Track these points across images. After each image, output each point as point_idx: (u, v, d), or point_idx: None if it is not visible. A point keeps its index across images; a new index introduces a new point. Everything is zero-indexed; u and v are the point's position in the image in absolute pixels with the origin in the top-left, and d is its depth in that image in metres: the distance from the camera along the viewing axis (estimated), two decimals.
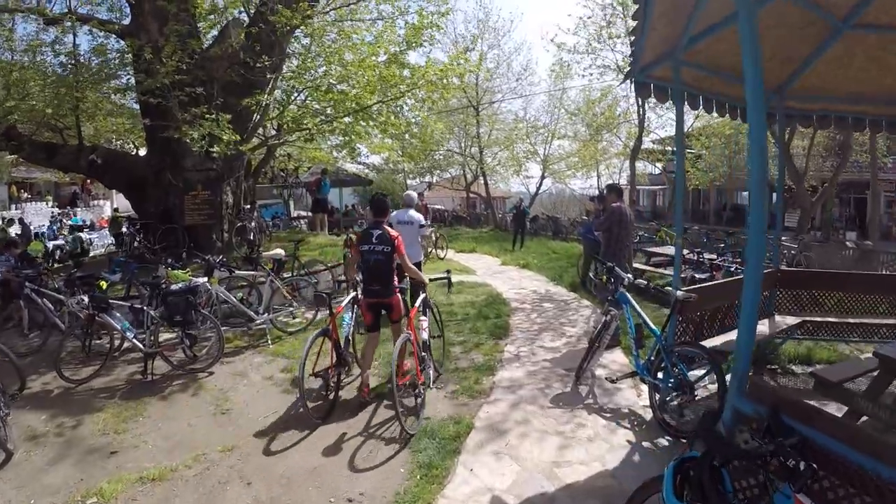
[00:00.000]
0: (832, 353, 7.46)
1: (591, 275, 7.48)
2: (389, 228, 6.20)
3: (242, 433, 5.52)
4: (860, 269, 15.24)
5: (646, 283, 6.47)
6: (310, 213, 20.35)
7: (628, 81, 6.20)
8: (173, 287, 7.36)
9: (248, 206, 14.58)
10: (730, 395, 3.35)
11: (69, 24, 11.15)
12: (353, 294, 6.38)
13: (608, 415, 5.77)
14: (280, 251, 9.65)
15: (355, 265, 6.48)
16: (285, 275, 10.15)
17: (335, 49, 12.10)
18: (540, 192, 38.00)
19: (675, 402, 5.19)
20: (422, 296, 6.36)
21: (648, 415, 5.66)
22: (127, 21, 12.76)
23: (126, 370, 7.41)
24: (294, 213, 26.47)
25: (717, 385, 5.07)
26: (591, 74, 19.97)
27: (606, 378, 6.40)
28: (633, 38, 5.22)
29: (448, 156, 36.16)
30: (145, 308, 7.34)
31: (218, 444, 5.27)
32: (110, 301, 7.34)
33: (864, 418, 4.67)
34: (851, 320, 7.15)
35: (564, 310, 10.54)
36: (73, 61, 12.41)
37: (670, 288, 5.89)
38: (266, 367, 7.35)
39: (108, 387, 6.86)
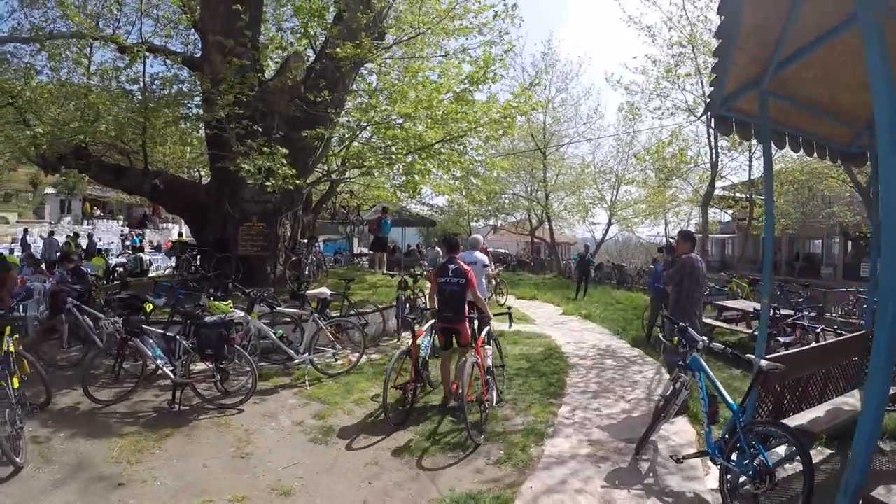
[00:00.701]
0: None
1: (660, 335, 6.68)
2: (463, 263, 7.10)
3: (258, 483, 5.06)
4: None
5: (723, 347, 5.62)
6: (370, 251, 20.10)
7: (707, 116, 5.59)
8: (207, 319, 7.11)
9: (306, 241, 14.37)
10: None
11: (139, 52, 11.28)
12: (432, 321, 7.30)
13: (670, 500, 5.00)
14: (325, 290, 9.23)
15: (434, 294, 7.22)
16: (333, 314, 9.80)
17: (399, 87, 11.90)
18: (606, 238, 37.04)
19: (751, 490, 4.44)
20: (487, 328, 7.23)
21: (717, 501, 4.88)
22: (199, 54, 12.93)
23: (155, 397, 7.20)
24: (357, 250, 26.45)
25: (802, 475, 4.19)
26: (662, 115, 19.08)
27: (671, 456, 5.52)
28: (715, 60, 4.61)
29: (513, 199, 35.81)
30: (177, 337, 7.14)
31: (229, 491, 4.85)
32: (143, 326, 7.16)
33: None
34: None
35: (626, 368, 9.73)
36: (141, 87, 12.60)
37: (752, 356, 5.10)
38: (298, 411, 6.90)
39: (133, 412, 6.70)
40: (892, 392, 6.04)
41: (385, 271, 16.23)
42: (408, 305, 11.67)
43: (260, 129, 10.61)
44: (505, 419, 6.71)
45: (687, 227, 37.70)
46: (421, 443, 5.83)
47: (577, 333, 13.05)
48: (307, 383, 7.84)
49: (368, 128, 12.89)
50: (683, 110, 18.63)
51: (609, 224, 34.85)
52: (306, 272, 13.47)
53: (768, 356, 5.17)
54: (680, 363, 5.64)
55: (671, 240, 11.18)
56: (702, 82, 17.27)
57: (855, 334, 6.82)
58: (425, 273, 17.21)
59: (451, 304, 6.92)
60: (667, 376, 8.97)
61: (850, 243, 34.26)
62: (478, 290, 7.18)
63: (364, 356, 8.86)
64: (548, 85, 29.37)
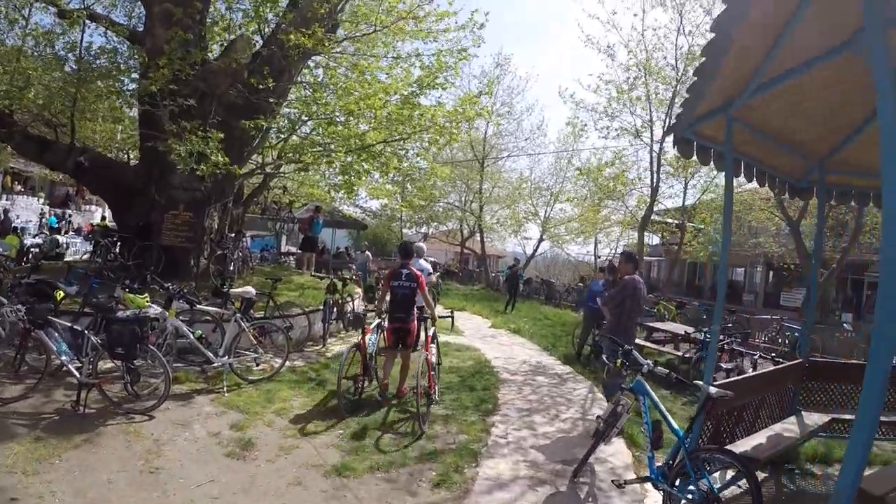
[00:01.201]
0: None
1: (603, 356, 6.52)
2: (415, 269, 7.73)
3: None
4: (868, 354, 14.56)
5: (667, 371, 5.49)
6: (299, 251, 19.45)
7: (672, 137, 5.42)
8: (120, 314, 6.44)
9: (233, 235, 13.64)
10: None
11: (80, 17, 10.49)
12: (378, 321, 7.96)
13: None
14: (251, 289, 8.57)
15: (385, 297, 7.64)
16: (257, 315, 9.24)
17: (346, 83, 11.44)
18: (536, 254, 37.28)
19: None
20: (432, 329, 7.55)
21: None
22: (142, 28, 12.11)
23: (59, 397, 6.48)
24: (284, 249, 25.66)
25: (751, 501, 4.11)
26: (608, 135, 19.30)
27: (613, 481, 5.35)
28: (693, 80, 4.44)
29: (447, 208, 35.60)
30: (86, 332, 6.42)
31: None
32: (49, 318, 6.42)
33: None
34: (884, 418, 6.25)
35: (559, 385, 9.57)
36: (77, 56, 11.79)
37: (699, 382, 4.97)
38: (215, 420, 6.28)
39: (34, 413, 5.98)
40: (827, 420, 6.28)
41: (313, 273, 15.67)
42: (335, 310, 11.21)
43: (195, 108, 9.99)
44: (437, 436, 6.35)
45: (617, 248, 38.53)
46: (351, 461, 5.37)
47: (507, 348, 12.88)
48: (225, 389, 7.23)
49: (310, 122, 12.46)
50: (631, 133, 18.88)
51: (541, 240, 35.10)
52: (231, 268, 12.75)
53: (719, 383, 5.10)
54: (623, 386, 5.49)
55: (611, 261, 11.09)
56: (650, 108, 17.57)
57: (793, 363, 6.95)
58: (354, 277, 16.86)
59: (403, 306, 7.48)
60: (600, 396, 8.89)
61: (771, 273, 35.58)
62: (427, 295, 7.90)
63: (287, 362, 8.33)
64: (494, 96, 29.49)
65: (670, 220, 27.53)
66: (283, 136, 12.96)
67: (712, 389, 4.61)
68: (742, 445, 5.29)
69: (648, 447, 4.99)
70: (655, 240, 35.60)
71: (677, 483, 4.49)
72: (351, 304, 12.45)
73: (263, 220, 23.87)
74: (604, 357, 6.43)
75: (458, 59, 11.57)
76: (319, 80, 12.41)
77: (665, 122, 17.16)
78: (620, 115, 18.82)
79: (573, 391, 9.28)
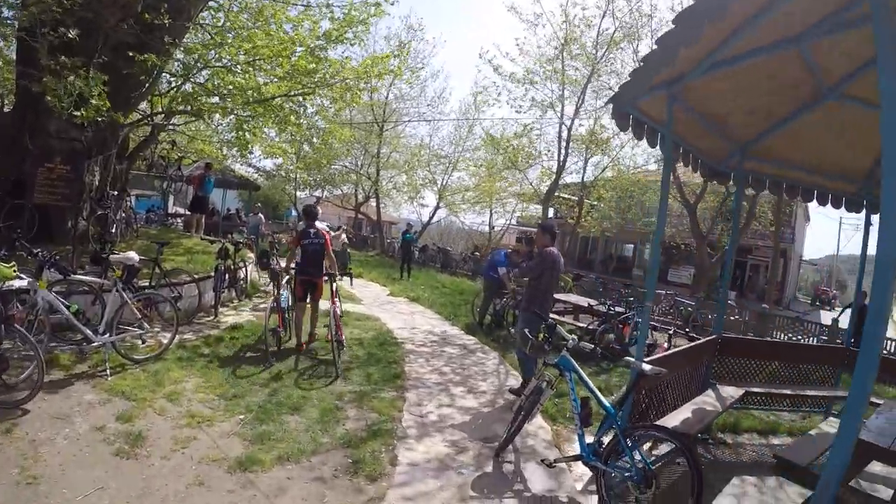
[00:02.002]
0: (757, 422, 7.34)
1: (525, 331, 6.28)
2: (322, 228, 8.63)
3: None
4: (757, 330, 15.57)
5: (592, 346, 5.35)
6: (188, 212, 18.16)
7: (610, 108, 5.19)
8: None
9: (116, 193, 12.35)
10: None
11: None
12: (287, 277, 8.74)
13: None
14: (133, 255, 7.48)
15: (294, 255, 8.36)
16: (143, 283, 8.38)
17: (249, 32, 10.45)
18: (432, 221, 37.01)
19: (635, 494, 4.26)
20: (336, 284, 8.26)
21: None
22: None
23: None
24: (172, 210, 23.99)
25: (690, 476, 4.07)
26: (520, 108, 18.98)
27: (543, 461, 5.18)
28: (652, 49, 4.18)
29: (343, 172, 34.56)
30: None
31: None
32: None
33: None
34: (788, 391, 7.06)
35: (466, 357, 9.39)
36: None
37: (632, 358, 4.83)
38: (98, 411, 5.35)
39: None
40: (741, 393, 6.52)
41: (203, 236, 14.63)
42: (227, 277, 10.44)
43: (78, 42, 8.80)
44: (348, 418, 5.91)
45: (511, 219, 38.93)
46: (256, 453, 4.79)
47: (408, 317, 12.60)
48: (108, 372, 6.29)
49: (206, 71, 11.32)
50: (543, 107, 18.70)
51: (437, 207, 34.84)
52: (113, 231, 11.54)
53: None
54: (546, 362, 5.33)
55: (528, 234, 10.97)
56: (563, 86, 17.45)
57: (709, 339, 7.08)
58: (247, 241, 15.97)
59: (313, 262, 8.27)
60: (512, 368, 8.80)
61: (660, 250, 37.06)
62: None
63: (177, 337, 7.51)
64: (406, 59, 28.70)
65: (567, 196, 27.98)
66: (175, 83, 11.72)
67: (646, 366, 4.56)
68: (671, 420, 5.27)
69: (578, 425, 4.84)
70: (550, 213, 36.25)
71: (609, 460, 4.44)
72: (244, 270, 11.69)
73: (150, 178, 21.97)
74: (525, 331, 6.17)
75: (371, 14, 10.86)
76: (221, 23, 11.24)
77: (579, 100, 17.19)
78: (535, 87, 18.59)
79: (483, 362, 9.14)
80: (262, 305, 11.24)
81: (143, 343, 7.32)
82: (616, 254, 42.67)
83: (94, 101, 8.37)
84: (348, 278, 9.71)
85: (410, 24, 28.28)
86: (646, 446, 5.17)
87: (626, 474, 4.25)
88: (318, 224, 8.98)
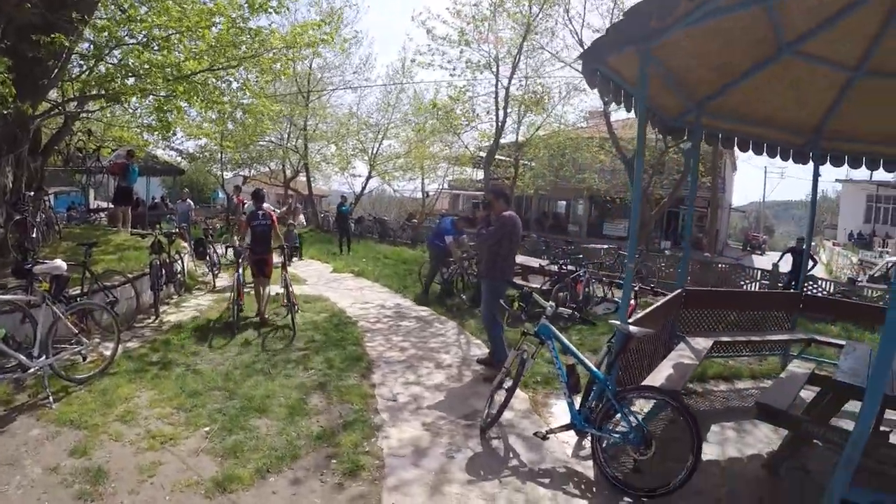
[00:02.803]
0: (721, 368, 7.66)
1: (501, 302, 6.02)
2: (269, 209, 9.53)
3: None
4: (703, 278, 16.08)
5: (570, 311, 5.15)
6: (111, 205, 17.04)
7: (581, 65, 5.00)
8: None
9: (32, 194, 11.27)
10: (837, 484, 3.31)
11: None
12: (242, 256, 9.31)
13: (545, 480, 4.47)
14: (61, 263, 6.53)
15: (245, 235, 9.26)
16: (74, 291, 7.71)
17: (163, 3, 9.45)
18: (365, 192, 36.29)
19: (635, 457, 4.36)
20: (282, 257, 9.64)
21: (590, 471, 4.60)
22: None
23: None
24: (94, 205, 22.61)
25: (689, 434, 4.16)
26: (455, 69, 18.39)
27: (536, 433, 4.99)
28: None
29: (270, 147, 33.40)
30: None
31: None
32: None
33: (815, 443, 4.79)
34: (755, 338, 7.26)
35: (425, 329, 9.22)
36: None
37: (616, 321, 4.69)
38: (49, 449, 4.64)
39: None
40: (711, 343, 6.57)
41: (131, 230, 13.71)
42: (164, 272, 9.80)
43: None
44: (319, 412, 5.57)
45: (443, 184, 38.55)
46: (232, 468, 4.34)
47: (357, 293, 12.33)
48: (51, 399, 5.55)
49: (119, 50, 10.39)
50: (480, 69, 18.16)
51: (369, 177, 34.14)
52: (35, 236, 10.46)
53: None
54: (525, 332, 5.16)
55: (481, 200, 10.76)
56: (497, 46, 17.10)
57: (675, 293, 7.06)
58: (179, 229, 15.19)
59: (262, 241, 9.07)
60: (472, 337, 8.76)
61: (593, 206, 38.01)
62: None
63: (120, 346, 6.83)
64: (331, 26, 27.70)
65: (503, 157, 27.85)
66: (88, 64, 10.65)
67: (633, 328, 4.49)
68: (656, 378, 5.19)
69: (566, 393, 4.74)
70: (480, 174, 36.13)
71: (603, 425, 4.44)
72: (180, 262, 11.06)
73: (67, 173, 20.45)
74: (501, 302, 5.92)
75: None
76: None
77: (515, 59, 16.85)
78: (470, 47, 18.04)
79: (443, 333, 9.02)
80: (204, 298, 10.75)
81: (85, 359, 6.62)
82: (550, 211, 43.03)
83: None
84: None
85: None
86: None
87: (625, 437, 4.28)
88: (265, 206, 9.77)
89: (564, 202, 41.99)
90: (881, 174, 33.15)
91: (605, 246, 19.75)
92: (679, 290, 7.06)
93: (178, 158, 29.47)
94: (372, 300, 11.53)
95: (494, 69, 17.24)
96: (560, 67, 24.32)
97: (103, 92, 9.89)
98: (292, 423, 5.23)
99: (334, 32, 11.77)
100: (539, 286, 11.12)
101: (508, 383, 5.26)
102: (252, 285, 9.41)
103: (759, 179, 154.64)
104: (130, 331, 8.25)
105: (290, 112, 29.04)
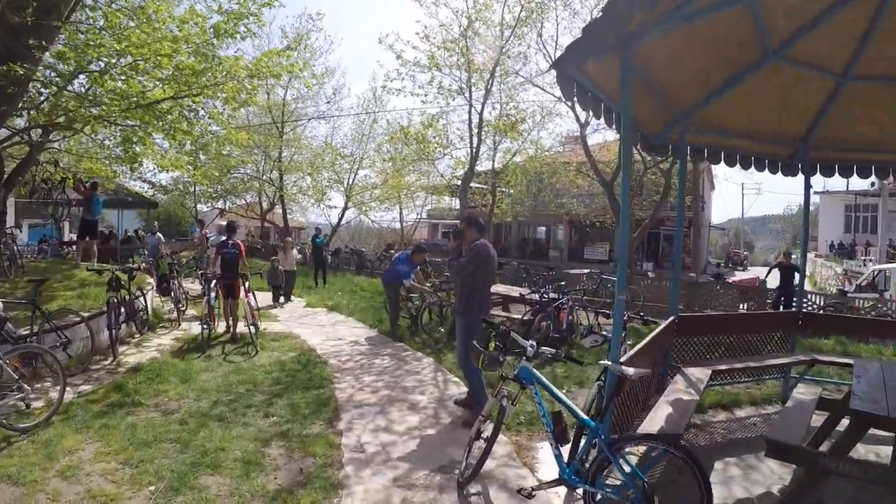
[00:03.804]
0: (721, 396, 7.22)
1: (474, 343, 5.43)
2: (238, 241, 10.30)
3: None
4: (690, 300, 15.62)
5: (554, 351, 4.61)
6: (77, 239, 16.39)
7: (553, 74, 4.60)
8: None
9: None
10: None
11: None
12: (214, 281, 10.14)
13: None
14: None
15: (217, 263, 10.12)
16: (23, 331, 7.16)
17: (128, 32, 9.12)
18: (342, 223, 35.83)
19: None
20: (247, 283, 10.42)
21: None
22: None
23: None
24: (67, 238, 21.95)
25: (698, 488, 3.63)
26: (426, 96, 17.91)
27: (520, 490, 4.32)
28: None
29: (245, 179, 32.92)
30: None
31: None
32: None
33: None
34: (754, 364, 6.89)
35: (400, 367, 8.66)
36: None
37: (607, 362, 4.18)
38: None
39: None
40: (709, 373, 6.14)
41: (91, 265, 12.91)
42: (123, 310, 9.25)
43: None
44: (277, 468, 5.01)
45: (421, 214, 38.23)
46: None
47: (329, 329, 11.80)
48: None
49: (83, 77, 9.98)
50: (451, 94, 17.69)
51: (345, 208, 33.71)
52: None
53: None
54: (504, 375, 4.63)
55: (454, 227, 10.09)
56: (469, 71, 16.63)
57: (668, 322, 6.50)
58: (144, 265, 14.61)
59: (230, 268, 10.02)
60: (449, 374, 8.20)
61: (573, 231, 37.80)
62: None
63: (68, 392, 6.32)
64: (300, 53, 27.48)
65: (479, 185, 27.59)
66: (51, 91, 10.08)
67: (629, 370, 3.95)
68: (654, 421, 4.67)
69: (553, 444, 4.16)
70: (458, 203, 36.00)
71: (597, 479, 3.87)
72: (142, 299, 10.49)
73: (38, 206, 19.74)
74: (474, 344, 5.32)
75: (263, 4, 9.82)
76: (98, 25, 9.83)
77: (488, 83, 16.46)
78: (441, 72, 17.59)
79: (418, 371, 8.49)
80: (168, 338, 10.21)
81: (28, 407, 6.02)
82: (531, 238, 42.74)
83: None
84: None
85: (309, 14, 26.57)
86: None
87: (622, 492, 3.73)
88: (234, 237, 10.60)
89: (544, 228, 41.76)
90: (857, 182, 33.79)
91: (587, 271, 19.40)
92: (672, 318, 6.57)
93: (151, 191, 28.93)
94: (345, 336, 10.99)
95: (467, 94, 16.77)
96: (534, 93, 24.03)
97: (62, 121, 9.49)
98: (247, 481, 4.67)
99: (302, 64, 11.34)
100: (521, 316, 10.63)
101: (488, 430, 4.74)
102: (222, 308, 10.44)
103: (736, 196, 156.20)
104: (85, 373, 7.74)
105: (264, 142, 28.67)
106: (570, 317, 10.50)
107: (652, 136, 6.42)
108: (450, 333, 10.29)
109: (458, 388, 7.48)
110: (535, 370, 4.40)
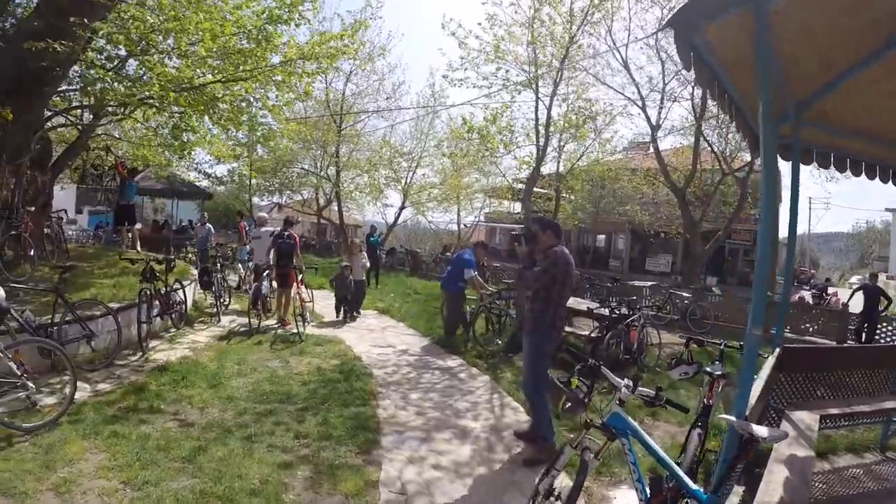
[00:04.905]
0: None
1: (553, 378, 4.40)
2: (294, 232, 11.14)
3: None
4: (768, 323, 13.89)
5: (654, 392, 3.63)
6: (139, 226, 16.09)
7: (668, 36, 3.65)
8: None
9: (33, 210, 10.24)
10: None
11: None
12: (267, 270, 10.95)
13: None
14: None
15: (273, 253, 10.76)
16: (54, 318, 6.77)
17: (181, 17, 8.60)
18: (398, 222, 35.26)
19: None
20: (301, 275, 11.02)
21: None
22: None
23: None
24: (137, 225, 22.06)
25: None
26: (491, 87, 16.68)
27: None
28: None
29: (301, 174, 32.62)
30: None
31: None
32: None
33: None
34: (866, 408, 5.46)
35: (451, 384, 7.74)
36: None
37: (727, 416, 3.19)
38: None
39: None
40: (816, 419, 4.83)
41: (128, 254, 12.15)
42: (157, 303, 8.67)
43: None
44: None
45: (479, 216, 37.34)
46: None
47: (378, 334, 10.95)
48: None
49: (132, 61, 9.82)
50: (517, 86, 16.46)
51: (402, 207, 33.13)
52: (31, 253, 9.64)
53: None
54: (590, 422, 3.58)
55: (521, 231, 8.58)
56: (536, 63, 15.39)
57: (774, 356, 5.32)
58: (190, 256, 14.22)
59: (285, 257, 10.69)
60: (506, 394, 7.27)
61: (634, 240, 36.42)
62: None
63: (86, 387, 5.77)
64: (356, 52, 27.02)
65: (542, 189, 26.49)
66: (99, 73, 9.47)
67: (762, 431, 2.91)
68: (770, 488, 3.42)
69: None
70: (518, 207, 34.88)
71: None
72: (181, 291, 9.88)
73: (97, 192, 19.67)
74: (555, 379, 4.28)
75: None
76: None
77: (557, 75, 15.17)
78: (506, 63, 16.36)
79: (472, 389, 7.55)
80: (203, 334, 9.68)
81: (35, 405, 5.46)
82: (591, 246, 41.27)
83: None
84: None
85: (369, 3, 25.97)
86: None
87: None
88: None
89: (604, 236, 40.28)
90: None
91: (650, 283, 18.13)
92: (777, 352, 5.42)
93: (204, 181, 28.97)
94: (394, 343, 10.18)
95: (534, 86, 15.46)
96: (604, 92, 22.55)
97: (112, 104, 9.35)
98: None
99: (352, 45, 10.70)
100: (588, 333, 9.65)
101: (559, 482, 3.78)
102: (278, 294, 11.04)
103: (801, 209, 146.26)
104: (108, 369, 7.16)
105: (321, 137, 28.30)
106: (640, 336, 9.38)
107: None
108: (507, 348, 9.38)
109: (517, 415, 6.57)
110: (629, 418, 3.46)
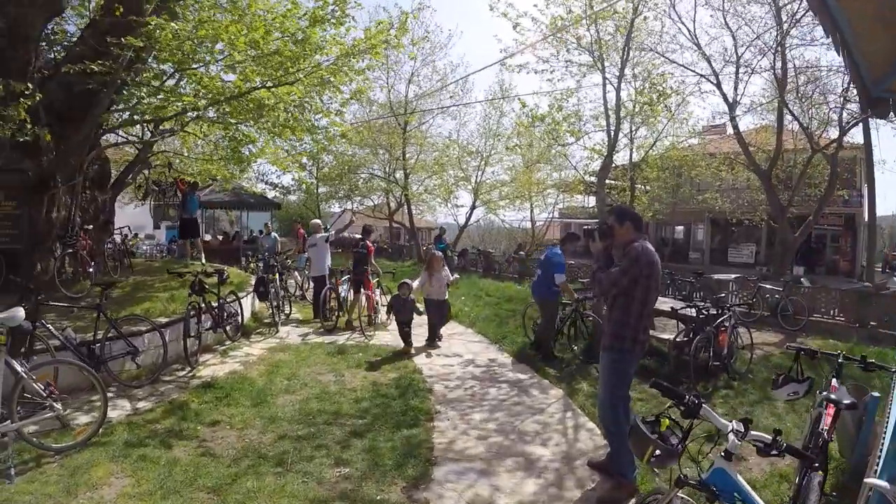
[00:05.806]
0: None
1: (637, 421, 3.50)
2: (369, 242, 11.64)
3: None
4: (866, 313, 12.22)
5: (770, 439, 2.74)
6: (209, 238, 16.35)
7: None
8: None
9: (90, 228, 10.36)
10: None
11: None
12: (347, 276, 11.83)
13: None
14: (17, 312, 4.94)
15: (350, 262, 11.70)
16: (96, 335, 6.61)
17: (224, 25, 8.33)
18: (470, 222, 34.66)
19: None
20: (376, 279, 11.89)
21: None
22: None
23: None
24: (206, 237, 22.53)
25: None
26: (553, 71, 15.48)
27: None
28: None
29: (369, 180, 32.49)
30: None
31: None
32: None
33: None
34: None
35: (519, 402, 6.96)
36: None
37: (879, 483, 2.41)
38: None
39: None
40: None
41: (175, 268, 11.79)
42: (209, 316, 8.40)
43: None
44: None
45: (551, 213, 36.25)
46: None
47: (443, 343, 10.29)
48: (13, 471, 4.34)
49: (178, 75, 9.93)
50: (581, 69, 15.23)
51: (473, 207, 32.50)
52: (90, 270, 9.70)
53: None
54: (683, 478, 2.82)
55: (597, 224, 7.18)
56: (601, 45, 14.27)
57: None
58: (252, 267, 14.14)
59: (359, 263, 11.26)
60: (581, 412, 6.46)
61: (715, 230, 34.60)
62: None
63: (125, 405, 5.53)
64: (416, 56, 26.76)
65: (612, 181, 25.31)
66: (149, 90, 9.49)
67: None
68: None
69: None
70: (591, 200, 33.69)
71: None
72: (237, 305, 9.58)
73: (154, 208, 20.15)
74: (637, 423, 3.38)
75: None
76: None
77: (623, 53, 13.98)
78: (567, 46, 15.12)
79: (543, 408, 6.74)
80: (258, 347, 9.32)
81: (66, 426, 5.23)
82: (669, 238, 39.36)
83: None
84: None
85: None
86: None
87: None
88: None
89: (683, 227, 38.29)
90: None
91: (734, 276, 16.57)
92: None
93: (276, 193, 29.22)
94: (460, 353, 9.51)
95: (600, 66, 14.18)
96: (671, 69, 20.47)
97: (166, 120, 9.64)
98: None
99: (400, 35, 10.12)
100: (672, 337, 8.58)
101: None
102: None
103: (891, 188, 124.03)
104: (154, 385, 6.95)
105: (387, 141, 28.09)
106: (731, 338, 8.23)
107: (874, 86, 4.28)
108: (586, 354, 8.66)
109: (592, 439, 5.78)
110: (736, 475, 2.73)
